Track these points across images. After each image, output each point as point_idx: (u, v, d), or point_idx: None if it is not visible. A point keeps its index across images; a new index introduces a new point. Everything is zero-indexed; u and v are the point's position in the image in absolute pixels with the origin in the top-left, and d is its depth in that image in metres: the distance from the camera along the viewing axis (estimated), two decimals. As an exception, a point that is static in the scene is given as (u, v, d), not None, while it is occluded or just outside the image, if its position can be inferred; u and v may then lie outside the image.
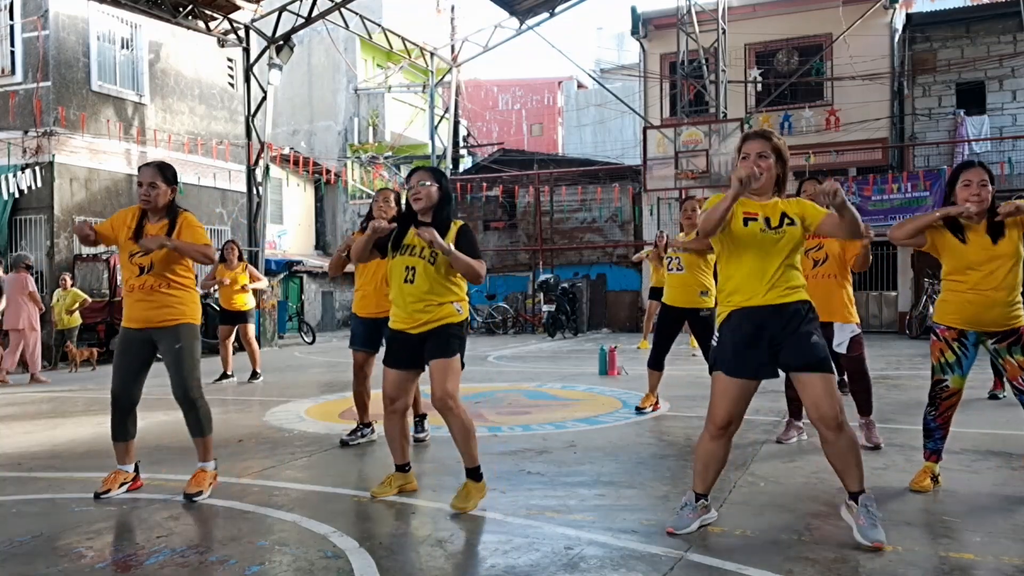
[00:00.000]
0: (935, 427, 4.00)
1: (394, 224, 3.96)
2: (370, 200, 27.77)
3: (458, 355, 3.83)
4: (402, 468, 4.14)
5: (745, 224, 3.28)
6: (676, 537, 3.31)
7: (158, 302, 4.13)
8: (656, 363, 6.63)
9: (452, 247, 3.71)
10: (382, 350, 4.43)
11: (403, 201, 4.91)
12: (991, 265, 3.73)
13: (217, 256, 3.99)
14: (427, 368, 3.87)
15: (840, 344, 4.92)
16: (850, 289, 5.04)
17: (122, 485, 4.25)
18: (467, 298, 4.02)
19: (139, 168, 4.27)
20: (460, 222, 3.95)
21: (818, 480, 4.24)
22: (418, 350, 3.86)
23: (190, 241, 4.16)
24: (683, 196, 17.95)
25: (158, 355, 4.26)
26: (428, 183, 3.83)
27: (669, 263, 6.49)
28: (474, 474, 3.85)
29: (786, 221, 3.28)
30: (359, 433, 5.54)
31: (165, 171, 4.24)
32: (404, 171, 27.78)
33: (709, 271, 6.36)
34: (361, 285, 5.45)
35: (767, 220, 3.29)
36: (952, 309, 3.86)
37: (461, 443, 3.82)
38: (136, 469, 4.37)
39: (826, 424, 3.16)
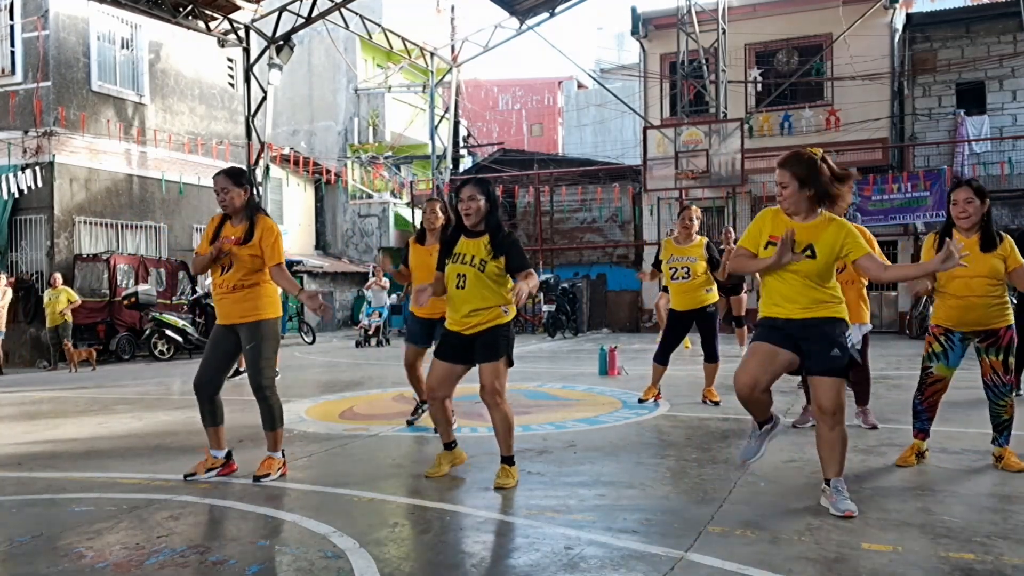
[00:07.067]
0: (921, 409, 4.54)
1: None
2: (370, 200, 27.38)
3: (505, 356, 4.20)
4: (448, 446, 4.56)
5: (765, 248, 3.61)
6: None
7: (239, 298, 4.44)
8: (662, 358, 6.93)
9: (526, 292, 3.98)
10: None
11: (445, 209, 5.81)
12: (971, 281, 4.22)
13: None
14: (476, 365, 4.24)
15: (856, 343, 5.05)
16: (864, 290, 5.52)
17: (210, 471, 4.52)
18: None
19: (212, 178, 4.61)
20: (507, 230, 4.26)
21: (818, 480, 4.23)
22: (468, 349, 4.24)
23: (268, 248, 4.44)
24: (683, 196, 17.97)
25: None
26: (478, 199, 4.18)
27: (674, 273, 6.73)
28: (509, 461, 4.29)
29: (806, 253, 3.52)
30: (419, 411, 6.17)
31: (235, 176, 4.53)
32: (404, 171, 27.79)
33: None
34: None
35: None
36: (941, 313, 4.46)
37: (501, 434, 4.24)
38: (228, 455, 4.62)
39: (825, 418, 3.59)
